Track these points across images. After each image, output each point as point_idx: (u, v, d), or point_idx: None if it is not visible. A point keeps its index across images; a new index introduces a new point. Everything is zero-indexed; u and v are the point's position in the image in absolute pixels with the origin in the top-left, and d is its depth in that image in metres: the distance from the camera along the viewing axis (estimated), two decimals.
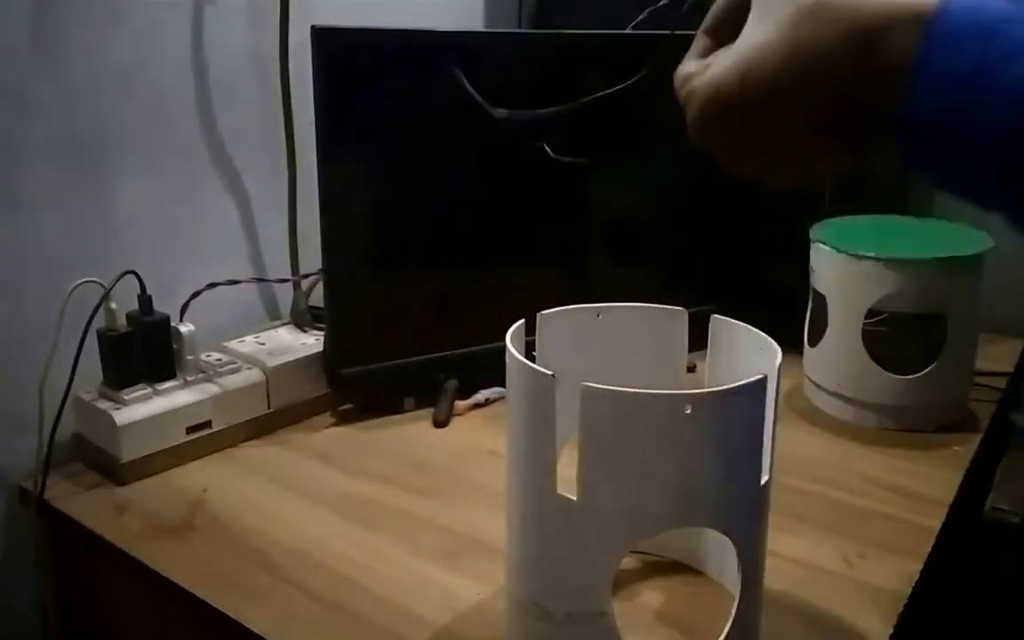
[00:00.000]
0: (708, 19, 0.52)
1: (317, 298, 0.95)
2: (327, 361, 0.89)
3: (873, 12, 0.35)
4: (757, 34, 0.39)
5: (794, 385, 0.93)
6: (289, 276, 0.99)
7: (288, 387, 0.87)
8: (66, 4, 0.80)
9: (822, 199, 0.99)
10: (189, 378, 0.81)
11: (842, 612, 0.60)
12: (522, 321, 0.55)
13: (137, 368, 0.79)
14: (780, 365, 0.51)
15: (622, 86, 0.88)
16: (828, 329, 0.87)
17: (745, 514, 0.50)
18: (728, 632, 0.51)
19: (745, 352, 0.55)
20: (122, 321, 0.78)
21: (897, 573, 0.63)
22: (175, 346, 0.81)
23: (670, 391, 0.45)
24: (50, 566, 0.81)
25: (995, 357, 0.97)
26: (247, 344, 0.91)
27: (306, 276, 0.98)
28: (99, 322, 0.76)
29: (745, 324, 0.56)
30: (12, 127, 0.77)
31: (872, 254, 0.82)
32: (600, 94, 0.89)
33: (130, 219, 0.87)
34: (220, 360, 0.85)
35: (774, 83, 0.38)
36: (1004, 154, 0.32)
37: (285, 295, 1.02)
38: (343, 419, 0.90)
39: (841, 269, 0.85)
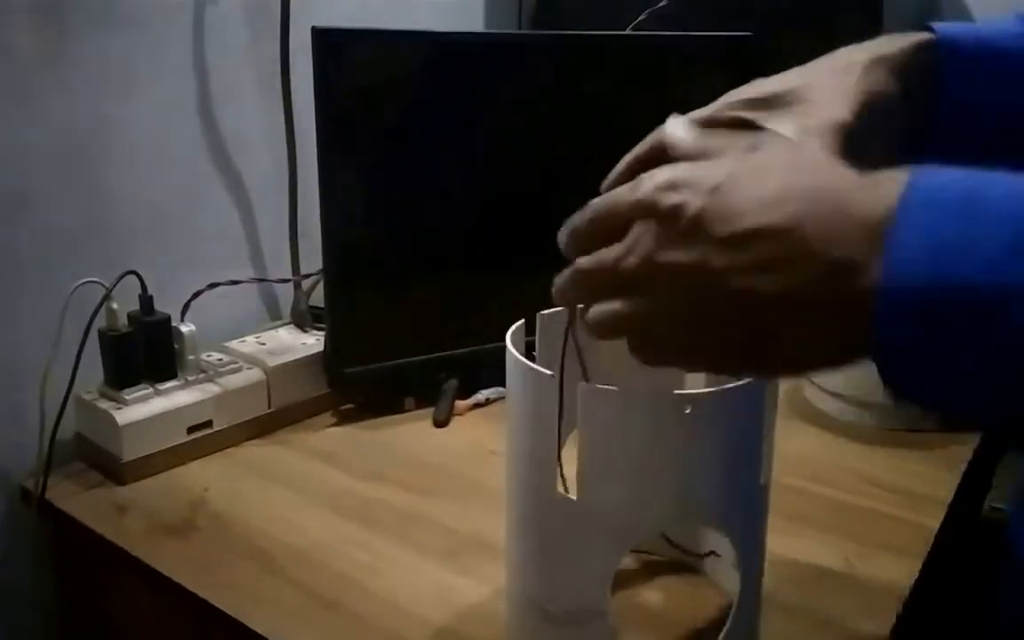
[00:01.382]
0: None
1: (318, 298, 0.95)
2: (328, 361, 0.89)
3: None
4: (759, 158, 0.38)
5: (794, 385, 0.93)
6: (290, 276, 0.99)
7: (289, 387, 0.88)
8: (67, 4, 0.80)
9: None
10: (190, 378, 0.82)
11: (842, 612, 0.60)
12: (522, 321, 0.55)
13: (138, 368, 0.79)
14: None
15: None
16: None
17: (744, 514, 0.51)
18: (727, 632, 0.51)
19: None
20: (123, 321, 0.78)
21: (897, 573, 0.63)
22: (176, 346, 0.81)
23: (670, 391, 0.46)
24: (51, 565, 0.81)
25: None
26: (248, 344, 0.91)
27: (307, 276, 0.98)
28: (100, 322, 0.77)
29: None
30: (14, 126, 0.77)
31: None
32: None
33: (131, 219, 0.87)
34: (221, 360, 0.85)
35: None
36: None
37: (286, 295, 1.02)
38: (344, 419, 0.90)
39: None
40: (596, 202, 0.42)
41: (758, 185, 0.36)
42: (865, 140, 0.45)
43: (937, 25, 0.50)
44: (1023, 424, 0.32)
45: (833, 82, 0.47)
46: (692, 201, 0.37)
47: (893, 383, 0.33)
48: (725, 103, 0.48)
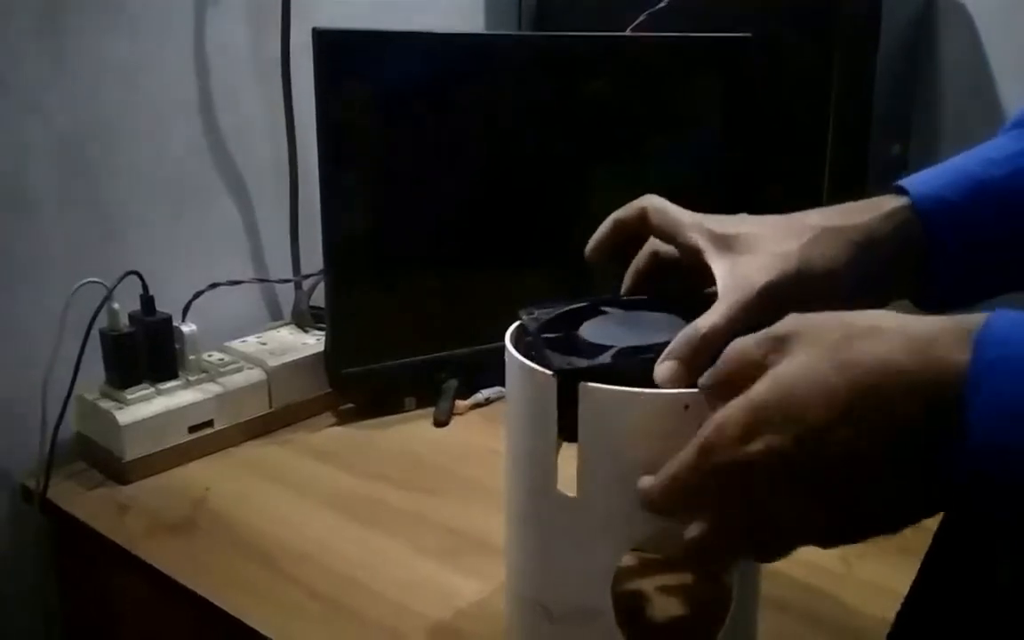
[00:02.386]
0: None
1: (318, 298, 0.95)
2: (328, 361, 0.89)
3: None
4: (799, 360, 0.38)
5: None
6: (291, 276, 1.00)
7: (290, 387, 0.88)
8: (69, 4, 0.80)
9: (820, 198, 0.99)
10: (191, 378, 0.82)
11: (841, 611, 0.60)
12: (521, 321, 0.55)
13: (139, 368, 0.79)
14: None
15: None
16: None
17: None
18: (725, 631, 0.51)
19: None
20: (124, 321, 0.78)
21: (896, 572, 0.63)
22: (177, 346, 0.81)
23: (669, 390, 0.46)
24: (53, 564, 0.81)
25: None
26: (249, 344, 0.91)
27: (308, 276, 0.99)
28: (102, 322, 0.77)
29: None
30: (15, 127, 0.78)
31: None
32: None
33: (132, 219, 0.88)
34: (222, 360, 0.86)
35: (831, 399, 0.36)
36: None
37: (287, 295, 1.02)
38: (344, 419, 0.90)
39: None
40: (668, 474, 0.42)
41: (822, 393, 0.37)
42: (805, 298, 0.47)
43: (914, 185, 0.50)
44: None
45: (778, 243, 0.49)
46: (778, 438, 0.37)
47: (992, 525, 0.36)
48: (690, 223, 0.52)
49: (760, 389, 0.39)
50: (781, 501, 0.38)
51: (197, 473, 0.79)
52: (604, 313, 0.53)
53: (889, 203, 0.50)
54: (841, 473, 0.36)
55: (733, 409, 0.39)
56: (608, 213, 0.56)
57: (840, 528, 0.39)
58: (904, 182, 0.51)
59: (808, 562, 0.65)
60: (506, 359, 0.51)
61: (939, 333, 0.35)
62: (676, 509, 0.42)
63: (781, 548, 0.41)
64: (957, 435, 0.33)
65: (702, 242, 0.50)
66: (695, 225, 0.51)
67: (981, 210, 0.49)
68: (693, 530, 0.41)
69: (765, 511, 0.39)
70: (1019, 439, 0.32)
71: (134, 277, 0.78)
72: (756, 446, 0.38)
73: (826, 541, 0.40)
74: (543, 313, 0.53)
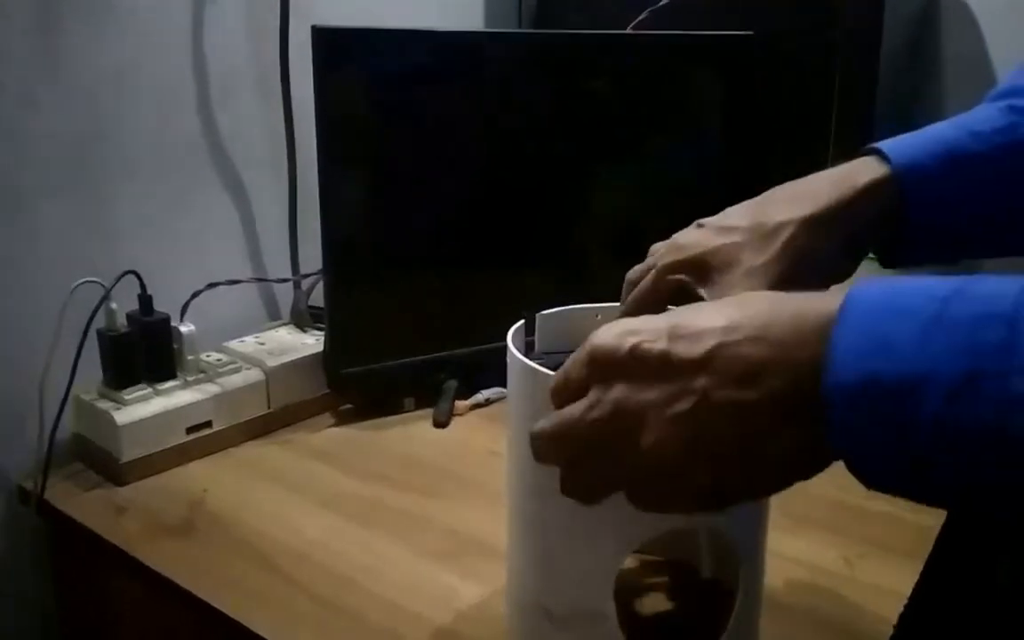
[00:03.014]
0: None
1: (317, 298, 0.95)
2: (327, 361, 0.89)
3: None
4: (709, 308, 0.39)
5: None
6: (289, 276, 0.99)
7: (288, 387, 0.87)
8: (66, 4, 0.80)
9: None
10: (189, 378, 0.82)
11: (842, 612, 0.60)
12: (522, 321, 0.55)
13: (137, 368, 0.79)
14: None
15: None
16: None
17: (745, 514, 0.50)
18: (727, 633, 0.51)
19: None
20: (122, 321, 0.78)
21: (897, 573, 0.63)
22: (175, 346, 0.81)
23: None
24: (50, 566, 0.81)
25: None
26: (247, 344, 0.91)
27: (306, 276, 0.98)
28: (99, 322, 0.77)
29: None
30: (13, 127, 0.77)
31: (869, 255, 0.82)
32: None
33: (130, 219, 0.87)
34: (220, 360, 0.85)
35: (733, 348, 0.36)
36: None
37: (285, 295, 1.02)
38: (343, 419, 0.90)
39: None
40: (552, 381, 0.42)
41: (713, 314, 0.37)
42: (795, 286, 0.48)
43: (895, 152, 0.50)
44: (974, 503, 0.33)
45: (752, 255, 0.50)
46: (654, 341, 0.37)
47: (855, 472, 0.34)
48: (658, 266, 0.53)
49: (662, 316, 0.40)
50: (656, 409, 0.37)
51: (195, 474, 0.79)
52: None
53: (865, 173, 0.51)
54: (727, 374, 0.36)
55: (622, 319, 0.40)
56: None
57: (721, 461, 0.37)
58: (884, 147, 0.51)
59: (811, 564, 0.64)
60: (508, 359, 0.51)
61: (823, 292, 0.36)
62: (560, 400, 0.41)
63: (662, 481, 0.38)
64: (826, 370, 0.33)
65: (685, 278, 0.52)
66: (665, 266, 0.53)
67: (958, 182, 0.51)
68: (569, 411, 0.40)
69: (632, 410, 0.37)
70: (876, 367, 0.32)
71: (132, 277, 0.78)
72: (630, 341, 0.38)
73: (705, 474, 0.37)
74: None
